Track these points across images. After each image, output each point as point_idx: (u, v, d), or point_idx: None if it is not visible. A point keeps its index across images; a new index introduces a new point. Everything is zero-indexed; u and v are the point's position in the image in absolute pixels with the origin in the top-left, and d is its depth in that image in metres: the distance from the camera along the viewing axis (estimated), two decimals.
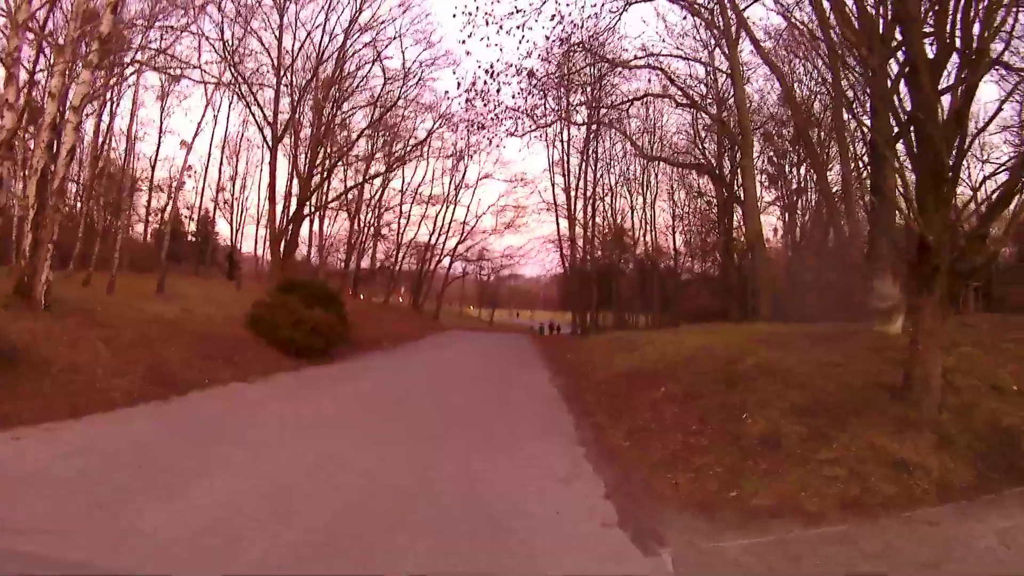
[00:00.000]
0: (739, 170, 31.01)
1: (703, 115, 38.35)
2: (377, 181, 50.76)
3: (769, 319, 24.52)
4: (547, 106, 31.24)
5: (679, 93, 32.02)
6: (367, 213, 53.22)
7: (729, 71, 29.57)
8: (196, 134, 34.69)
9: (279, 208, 37.66)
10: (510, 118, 30.44)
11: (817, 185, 34.38)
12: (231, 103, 44.28)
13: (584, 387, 16.21)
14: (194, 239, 54.63)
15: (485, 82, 27.80)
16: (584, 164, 48.92)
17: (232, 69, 33.90)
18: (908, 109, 8.97)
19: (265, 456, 8.07)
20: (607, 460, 8.77)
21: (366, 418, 11.51)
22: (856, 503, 6.53)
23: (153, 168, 44.39)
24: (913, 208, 8.16)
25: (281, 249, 35.71)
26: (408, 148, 45.73)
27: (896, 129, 10.07)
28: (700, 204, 48.11)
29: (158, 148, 45.15)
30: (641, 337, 22.63)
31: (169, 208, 39.16)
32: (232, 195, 51.71)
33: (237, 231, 53.69)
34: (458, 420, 11.76)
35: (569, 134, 49.18)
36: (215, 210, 52.43)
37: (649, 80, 37.12)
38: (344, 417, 11.37)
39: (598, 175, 49.65)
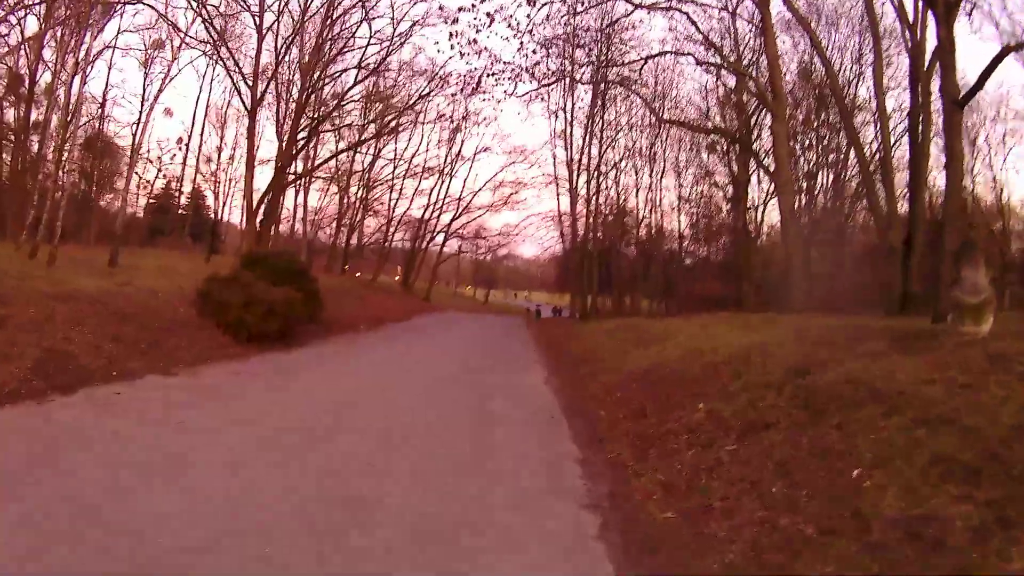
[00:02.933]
0: (772, 136, 27.69)
1: (723, 81, 35.72)
2: (369, 153, 47.99)
3: (801, 309, 21.60)
4: (548, 66, 28.21)
5: (701, 48, 28.84)
6: (358, 187, 50.38)
7: (760, 23, 26.21)
8: (161, 89, 31.09)
9: (266, 178, 35.24)
10: (509, 77, 27.45)
11: (854, 154, 31.31)
12: (214, 69, 41.07)
13: (592, 396, 12.84)
14: (184, 212, 52.72)
15: (474, 16, 24.91)
16: (588, 135, 46.00)
17: (206, 24, 30.84)
18: None
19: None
20: (640, 555, 5.29)
21: (272, 455, 7.29)
22: None
23: (134, 137, 41.38)
24: None
25: (258, 221, 32.78)
26: (400, 112, 42.30)
27: None
28: (709, 183, 45.72)
29: (139, 117, 42.01)
30: (656, 327, 19.48)
31: (128, 175, 36.01)
32: (218, 165, 48.99)
33: (224, 203, 51.04)
34: (402, 465, 7.40)
35: (573, 102, 46.48)
36: (196, 178, 49.74)
37: (663, 40, 34.39)
38: (246, 448, 7.50)
39: (603, 149, 46.77)
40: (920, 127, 20.45)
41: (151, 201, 52.16)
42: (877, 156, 30.45)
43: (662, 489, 6.70)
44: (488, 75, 26.96)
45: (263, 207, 33.50)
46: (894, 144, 28.84)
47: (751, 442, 7.03)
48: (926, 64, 20.02)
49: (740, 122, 35.47)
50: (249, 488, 6.17)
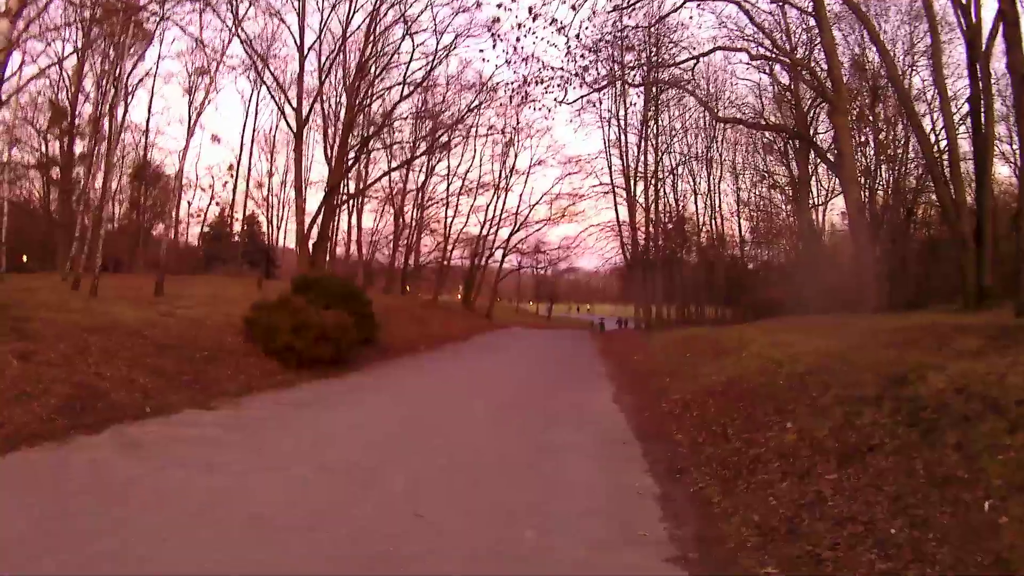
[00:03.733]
0: (833, 128, 26.49)
1: (776, 77, 34.59)
2: (422, 172, 47.70)
3: (872, 308, 20.49)
4: (598, 70, 27.27)
5: (754, 43, 27.76)
6: (413, 207, 49.84)
7: (813, 12, 25.01)
8: (200, 112, 30.08)
9: (316, 199, 34.80)
10: (558, 84, 26.57)
11: (919, 147, 29.89)
12: (259, 93, 40.58)
13: (666, 415, 11.83)
14: (238, 239, 52.78)
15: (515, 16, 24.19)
16: (643, 141, 45.40)
17: (245, 46, 30.73)
18: None
19: None
20: None
21: (301, 508, 6.26)
22: None
23: (180, 165, 41.53)
24: None
25: (311, 243, 32.38)
26: (450, 127, 41.36)
27: None
28: (768, 184, 44.35)
29: (185, 144, 42.15)
30: (726, 336, 18.42)
31: (176, 202, 36.06)
32: (269, 190, 48.74)
33: (279, 228, 50.82)
34: (454, 510, 6.47)
35: (626, 108, 45.86)
36: (245, 205, 49.55)
37: (714, 38, 33.35)
38: (273, 495, 6.57)
39: (659, 156, 45.98)
40: (983, 113, 19.44)
41: (206, 230, 52.21)
42: (937, 146, 29.16)
43: (757, 533, 5.69)
44: (537, 82, 26.06)
45: (315, 230, 33.15)
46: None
47: (855, 469, 6.09)
48: (984, 45, 18.96)
49: (797, 118, 34.21)
50: (271, 543, 5.36)
